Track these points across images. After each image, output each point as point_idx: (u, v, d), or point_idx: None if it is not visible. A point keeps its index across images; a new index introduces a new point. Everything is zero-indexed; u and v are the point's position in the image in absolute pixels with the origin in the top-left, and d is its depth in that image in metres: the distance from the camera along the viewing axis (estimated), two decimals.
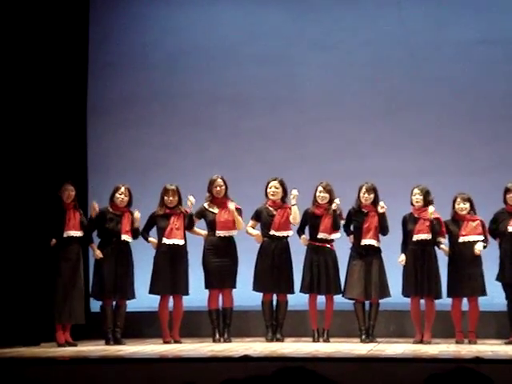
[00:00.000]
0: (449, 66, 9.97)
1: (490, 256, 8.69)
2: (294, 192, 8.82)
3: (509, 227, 8.55)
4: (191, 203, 8.77)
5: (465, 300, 8.72)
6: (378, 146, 9.94)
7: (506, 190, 8.65)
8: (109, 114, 10.24)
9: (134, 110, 10.26)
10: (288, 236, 8.93)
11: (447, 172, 9.61)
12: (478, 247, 8.58)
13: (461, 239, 8.63)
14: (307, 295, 8.86)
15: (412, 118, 9.98)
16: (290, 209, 8.90)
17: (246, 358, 6.43)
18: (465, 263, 8.60)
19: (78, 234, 8.62)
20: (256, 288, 8.92)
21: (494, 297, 8.71)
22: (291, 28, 10.23)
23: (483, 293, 8.61)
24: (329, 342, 8.73)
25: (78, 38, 10.00)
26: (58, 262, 8.53)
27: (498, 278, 8.61)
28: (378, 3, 9.76)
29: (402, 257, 8.67)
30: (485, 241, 8.63)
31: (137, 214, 8.77)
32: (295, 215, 8.87)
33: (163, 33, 10.37)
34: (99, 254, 8.65)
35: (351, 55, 10.11)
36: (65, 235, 8.54)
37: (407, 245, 8.69)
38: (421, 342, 8.52)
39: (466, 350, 7.81)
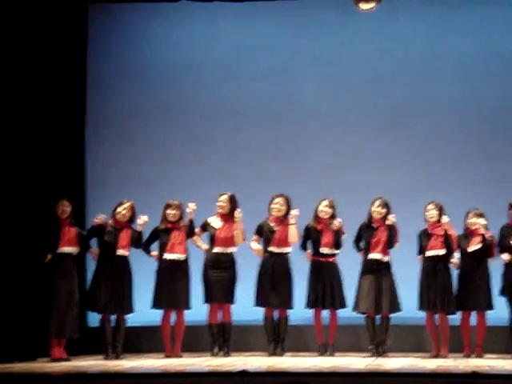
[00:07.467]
0: (447, 80, 10.00)
1: (494, 270, 8.70)
2: (294, 212, 8.80)
3: None
4: (191, 210, 8.74)
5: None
6: (377, 160, 9.96)
7: (510, 206, 8.66)
8: (107, 128, 10.24)
9: (132, 124, 10.26)
10: (288, 252, 8.90)
11: (445, 186, 9.60)
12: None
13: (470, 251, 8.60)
14: (311, 310, 8.84)
15: (411, 132, 9.99)
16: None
17: (243, 373, 6.43)
18: (474, 277, 8.60)
19: (73, 250, 8.60)
20: (257, 303, 8.90)
21: (500, 311, 8.66)
22: (290, 43, 10.25)
23: (490, 307, 8.61)
24: (334, 356, 8.71)
25: (77, 53, 10.01)
26: (53, 277, 8.49)
27: (502, 293, 8.61)
28: (377, 18, 9.78)
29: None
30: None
31: (145, 218, 8.72)
32: (293, 235, 8.84)
33: (162, 47, 10.38)
34: (95, 255, 8.69)
35: (350, 70, 10.14)
36: (58, 251, 8.52)
37: (422, 260, 8.69)
38: (437, 356, 8.51)
39: (463, 364, 7.79)
